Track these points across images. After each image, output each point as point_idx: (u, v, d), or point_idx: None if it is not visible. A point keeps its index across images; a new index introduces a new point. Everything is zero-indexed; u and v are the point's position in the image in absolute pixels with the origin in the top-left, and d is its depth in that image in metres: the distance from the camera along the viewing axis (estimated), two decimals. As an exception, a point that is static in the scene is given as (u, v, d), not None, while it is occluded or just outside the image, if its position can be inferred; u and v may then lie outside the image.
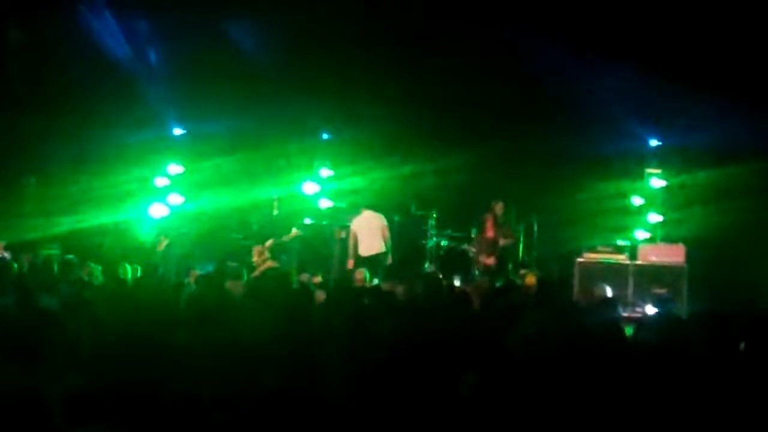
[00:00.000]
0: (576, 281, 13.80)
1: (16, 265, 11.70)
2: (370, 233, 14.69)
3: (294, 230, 15.02)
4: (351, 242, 14.76)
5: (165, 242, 14.86)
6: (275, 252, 14.94)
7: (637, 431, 5.49)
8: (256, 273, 13.51)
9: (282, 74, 15.23)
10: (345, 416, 5.48)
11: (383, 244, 14.66)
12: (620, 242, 14.73)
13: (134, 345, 6.73)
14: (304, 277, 12.49)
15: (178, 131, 16.85)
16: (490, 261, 14.69)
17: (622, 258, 14.21)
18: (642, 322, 9.20)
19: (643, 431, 5.49)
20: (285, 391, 5.56)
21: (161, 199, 16.15)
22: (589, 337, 6.85)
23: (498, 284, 11.91)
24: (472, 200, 15.74)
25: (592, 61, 14.14)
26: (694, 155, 15.08)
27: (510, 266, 15.06)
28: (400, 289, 10.14)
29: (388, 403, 5.55)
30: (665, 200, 15.61)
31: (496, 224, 14.77)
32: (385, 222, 14.79)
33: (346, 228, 15.87)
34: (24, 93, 15.06)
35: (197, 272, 12.10)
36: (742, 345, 6.63)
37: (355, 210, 15.17)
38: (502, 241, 14.81)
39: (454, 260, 15.81)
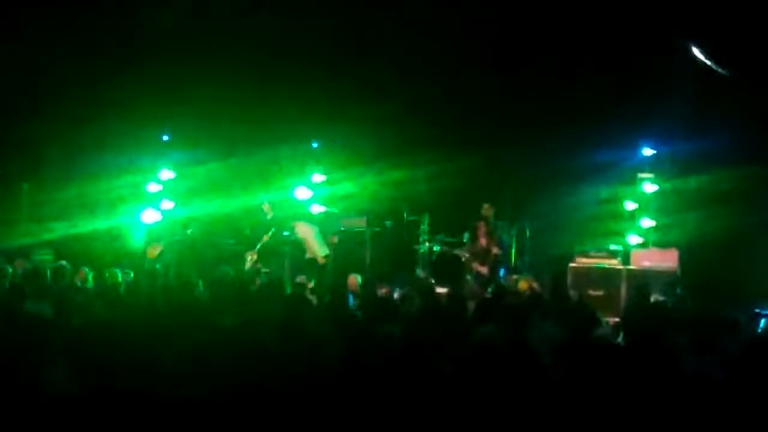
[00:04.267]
0: (569, 286, 13.79)
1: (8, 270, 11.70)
2: (313, 238, 15.03)
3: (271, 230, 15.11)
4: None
5: (159, 248, 14.83)
6: (264, 255, 14.95)
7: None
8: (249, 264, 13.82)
9: (273, 81, 15.23)
10: (340, 418, 5.47)
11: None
12: (613, 247, 14.72)
13: (126, 349, 6.72)
14: (302, 278, 12.49)
15: (167, 137, 16.85)
16: (484, 269, 14.66)
17: (615, 263, 14.23)
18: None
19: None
20: (279, 394, 5.55)
21: (154, 204, 16.12)
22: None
23: (490, 290, 11.95)
24: (464, 205, 15.71)
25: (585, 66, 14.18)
26: (687, 160, 15.07)
27: (503, 272, 15.03)
28: (396, 294, 10.17)
29: (383, 406, 5.54)
30: (658, 205, 15.60)
31: (489, 232, 14.74)
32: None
33: (339, 233, 15.91)
34: (17, 99, 15.02)
35: None
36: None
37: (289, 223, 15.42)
38: (494, 250, 14.77)
39: (447, 265, 15.77)
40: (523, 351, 6.10)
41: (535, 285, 12.11)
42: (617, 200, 15.81)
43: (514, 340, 6.59)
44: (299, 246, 15.54)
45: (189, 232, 15.87)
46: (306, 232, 15.02)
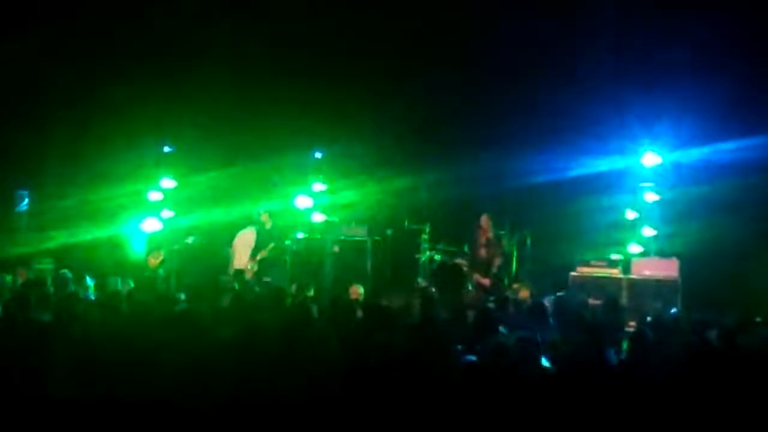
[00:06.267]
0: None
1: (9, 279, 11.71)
2: (244, 250, 15.10)
3: (270, 244, 15.11)
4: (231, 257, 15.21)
5: (160, 257, 14.80)
6: (265, 265, 14.94)
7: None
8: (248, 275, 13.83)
9: (275, 90, 15.24)
10: (340, 423, 5.47)
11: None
12: (614, 256, 14.69)
13: (127, 358, 6.72)
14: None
15: (168, 146, 16.85)
16: (486, 281, 14.63)
17: (616, 272, 14.20)
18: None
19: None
20: (279, 402, 5.55)
21: (154, 213, 16.11)
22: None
23: (491, 299, 11.93)
24: (465, 214, 15.70)
25: (587, 75, 14.19)
26: (688, 169, 15.05)
27: (505, 282, 15.00)
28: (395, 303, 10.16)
29: (382, 411, 5.55)
30: (659, 214, 15.54)
31: (488, 243, 14.71)
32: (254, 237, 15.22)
33: (340, 242, 15.89)
34: (17, 107, 15.04)
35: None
36: None
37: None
38: (497, 260, 14.74)
39: (447, 274, 15.75)
40: (526, 359, 6.11)
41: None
42: (618, 209, 15.76)
43: (516, 348, 6.59)
44: (302, 256, 15.62)
45: (190, 240, 15.86)
46: (248, 241, 15.15)
